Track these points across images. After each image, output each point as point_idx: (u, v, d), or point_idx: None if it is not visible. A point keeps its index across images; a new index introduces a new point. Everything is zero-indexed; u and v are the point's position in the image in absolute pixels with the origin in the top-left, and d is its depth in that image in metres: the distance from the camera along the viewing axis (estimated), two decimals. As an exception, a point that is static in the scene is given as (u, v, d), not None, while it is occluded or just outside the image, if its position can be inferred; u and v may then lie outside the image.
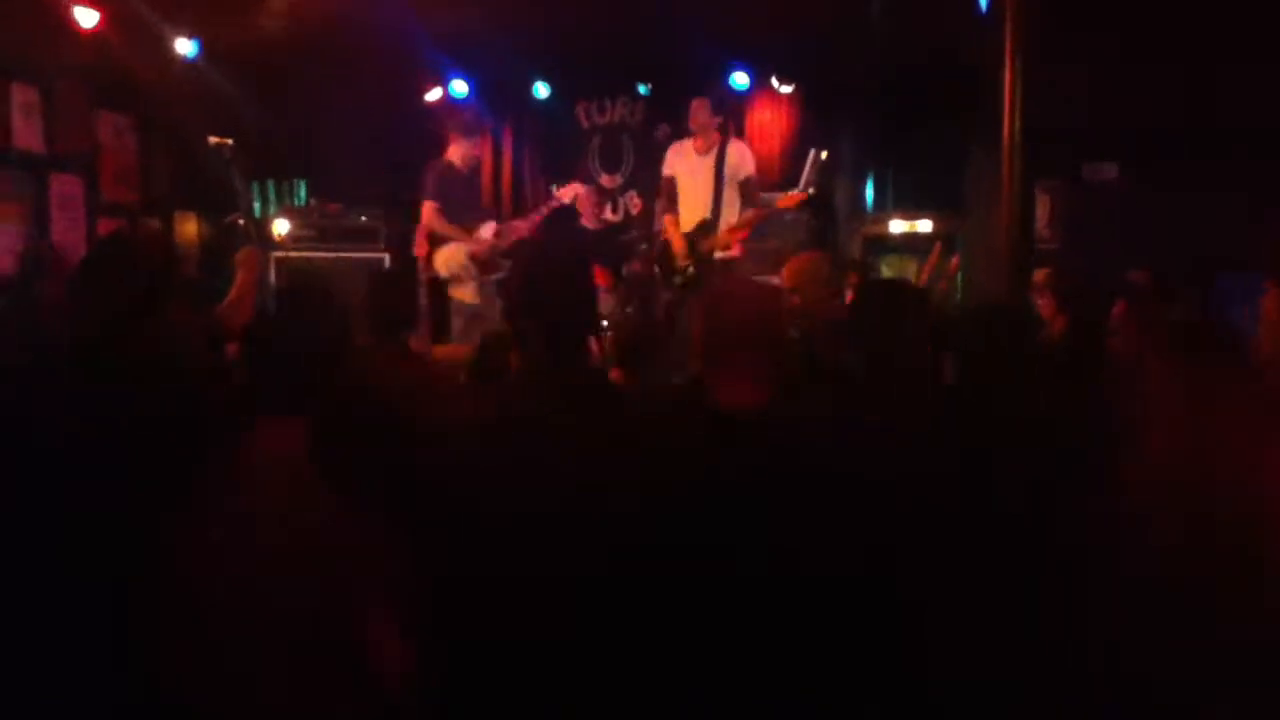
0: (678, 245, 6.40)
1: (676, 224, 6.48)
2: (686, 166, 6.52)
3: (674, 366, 3.78)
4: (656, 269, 6.58)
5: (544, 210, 6.85)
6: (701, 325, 2.47)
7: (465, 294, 6.34)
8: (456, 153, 6.56)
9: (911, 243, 7.31)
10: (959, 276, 6.71)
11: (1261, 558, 2.10)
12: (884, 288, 3.71)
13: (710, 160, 6.46)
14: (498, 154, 9.10)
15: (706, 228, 6.37)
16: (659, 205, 6.81)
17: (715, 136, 6.54)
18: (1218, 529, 2.12)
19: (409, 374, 3.57)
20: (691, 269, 6.27)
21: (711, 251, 6.34)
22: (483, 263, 6.34)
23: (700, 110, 6.52)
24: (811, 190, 7.11)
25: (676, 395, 2.74)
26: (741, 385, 2.38)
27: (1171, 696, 2.08)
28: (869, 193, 8.22)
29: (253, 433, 2.26)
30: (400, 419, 2.71)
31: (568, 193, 6.99)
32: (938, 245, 6.35)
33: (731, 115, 8.47)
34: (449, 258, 6.36)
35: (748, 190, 6.48)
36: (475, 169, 7.08)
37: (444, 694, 2.22)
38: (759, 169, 7.69)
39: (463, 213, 6.46)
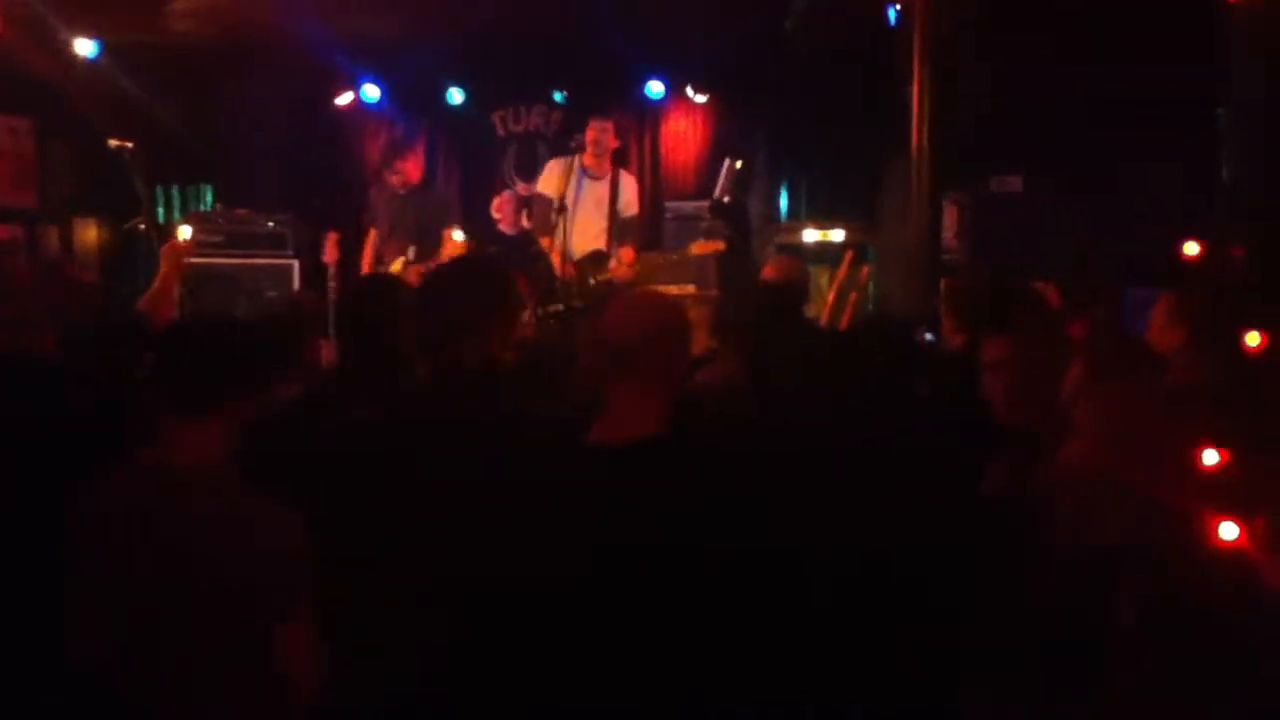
0: (561, 270, 6.29)
1: (553, 247, 6.38)
2: (571, 185, 6.43)
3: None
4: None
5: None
6: (587, 350, 2.28)
7: None
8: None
9: (824, 252, 7.36)
10: (870, 286, 6.78)
11: (1176, 550, 2.17)
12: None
13: (605, 189, 6.49)
14: (410, 160, 9.00)
15: (600, 260, 6.35)
16: (534, 223, 6.76)
17: (608, 165, 6.53)
18: (1132, 524, 2.18)
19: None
20: (578, 302, 6.09)
21: (607, 283, 6.32)
22: None
23: (603, 131, 6.51)
24: (726, 199, 7.15)
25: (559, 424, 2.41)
26: (627, 415, 2.11)
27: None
28: (783, 202, 8.27)
29: (168, 435, 2.22)
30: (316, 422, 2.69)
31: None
32: (849, 255, 6.41)
33: (647, 124, 8.53)
34: None
35: (629, 229, 6.61)
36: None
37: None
38: (674, 178, 7.76)
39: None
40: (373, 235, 7.05)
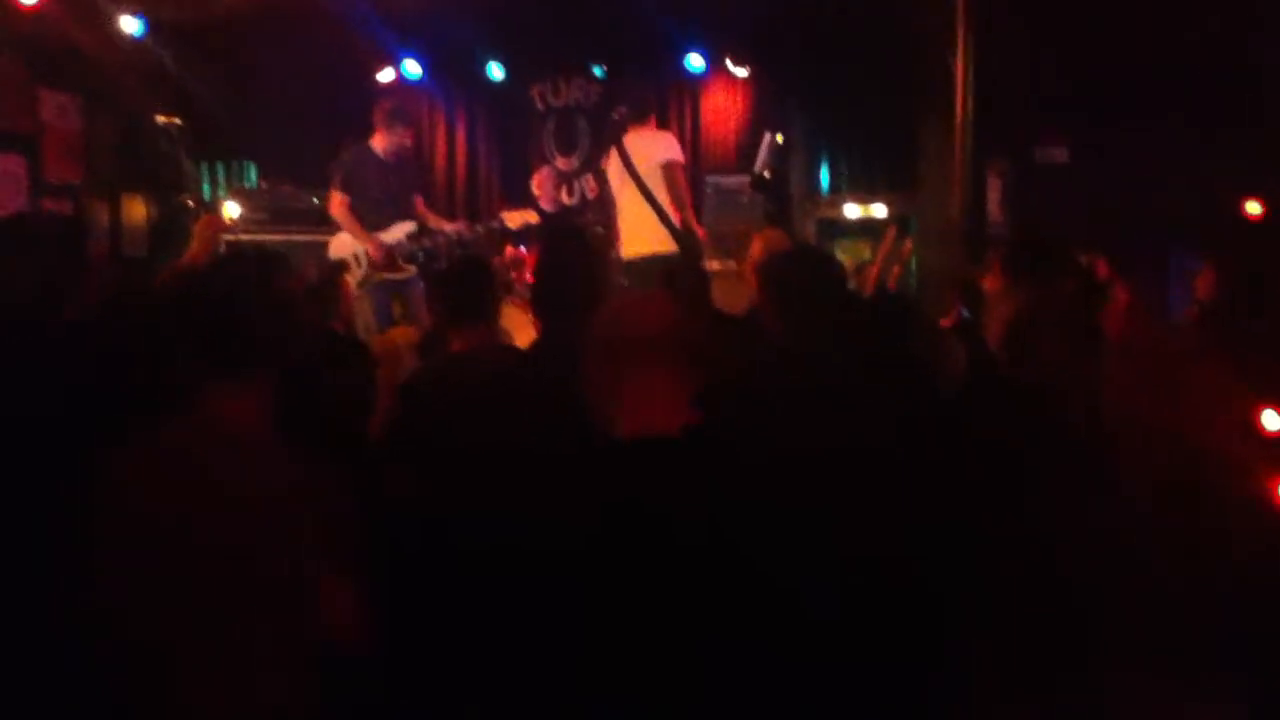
0: None
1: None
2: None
3: None
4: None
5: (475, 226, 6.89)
6: (593, 342, 2.02)
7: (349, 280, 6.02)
8: (381, 142, 6.51)
9: (866, 226, 7.33)
10: (912, 260, 6.74)
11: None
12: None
13: None
14: (450, 136, 9.04)
15: None
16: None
17: None
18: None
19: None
20: None
21: None
22: (378, 263, 6.39)
23: None
24: (767, 173, 7.12)
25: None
26: (651, 408, 1.94)
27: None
28: (823, 176, 8.23)
29: (202, 397, 2.20)
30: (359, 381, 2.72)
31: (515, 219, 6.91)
32: (892, 229, 6.36)
33: (687, 98, 8.51)
34: (344, 243, 6.48)
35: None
36: (401, 160, 6.69)
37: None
38: (715, 152, 7.75)
39: (379, 206, 6.46)
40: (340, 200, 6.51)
